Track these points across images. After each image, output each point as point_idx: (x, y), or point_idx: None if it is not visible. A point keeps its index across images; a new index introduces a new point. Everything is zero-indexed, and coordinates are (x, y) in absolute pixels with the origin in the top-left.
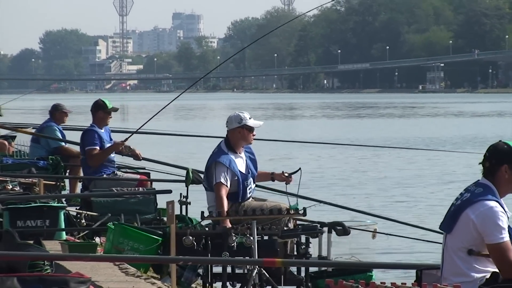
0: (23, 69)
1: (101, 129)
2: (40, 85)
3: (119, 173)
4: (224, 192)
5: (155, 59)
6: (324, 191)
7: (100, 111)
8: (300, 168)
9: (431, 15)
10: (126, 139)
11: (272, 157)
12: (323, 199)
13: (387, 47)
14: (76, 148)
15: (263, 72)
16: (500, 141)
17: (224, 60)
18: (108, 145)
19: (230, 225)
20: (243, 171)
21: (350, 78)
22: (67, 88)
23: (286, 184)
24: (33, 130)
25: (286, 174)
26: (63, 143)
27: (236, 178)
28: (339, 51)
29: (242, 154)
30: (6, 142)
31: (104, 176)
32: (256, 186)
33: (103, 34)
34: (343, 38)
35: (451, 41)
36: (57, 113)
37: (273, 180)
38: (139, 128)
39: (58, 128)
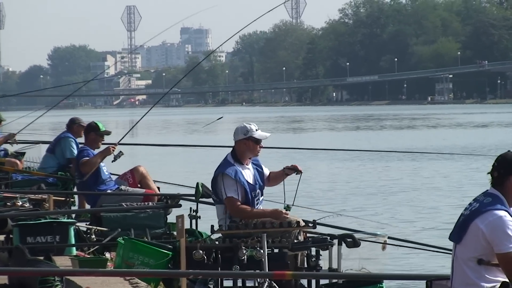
0: (32, 85)
1: (93, 150)
2: (48, 101)
3: (123, 188)
4: (238, 203)
5: (164, 74)
6: (333, 202)
7: (92, 132)
8: (301, 172)
9: (438, 26)
10: (117, 143)
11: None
12: (333, 210)
13: (396, 59)
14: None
15: (271, 85)
16: (508, 151)
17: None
18: (102, 168)
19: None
20: (251, 182)
21: (359, 91)
22: (76, 104)
23: (297, 173)
24: (46, 146)
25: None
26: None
27: (244, 189)
28: (348, 63)
29: (250, 166)
30: (17, 161)
31: (109, 191)
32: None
33: (112, 50)
34: (352, 51)
35: (459, 52)
36: (74, 126)
37: (288, 174)
38: (120, 140)
39: (75, 140)
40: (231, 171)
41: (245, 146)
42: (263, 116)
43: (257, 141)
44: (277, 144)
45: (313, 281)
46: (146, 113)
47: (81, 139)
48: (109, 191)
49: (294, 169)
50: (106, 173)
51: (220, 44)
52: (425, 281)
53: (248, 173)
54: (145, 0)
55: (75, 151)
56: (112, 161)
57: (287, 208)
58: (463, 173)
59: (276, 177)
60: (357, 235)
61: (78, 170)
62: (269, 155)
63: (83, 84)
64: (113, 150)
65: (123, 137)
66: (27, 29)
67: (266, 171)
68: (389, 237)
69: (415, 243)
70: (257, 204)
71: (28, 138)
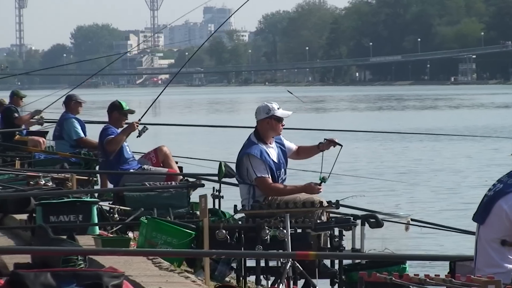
0: (55, 64)
1: (118, 129)
2: (72, 80)
3: (146, 167)
4: (270, 182)
5: (187, 53)
6: (357, 183)
7: (115, 111)
8: (341, 146)
9: (462, 6)
10: (140, 119)
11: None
12: (356, 191)
13: (419, 39)
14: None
15: (294, 65)
16: None
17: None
18: (125, 147)
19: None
20: (276, 160)
21: (382, 71)
22: (99, 83)
23: (334, 146)
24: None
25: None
26: (83, 135)
27: (270, 168)
28: (371, 43)
29: (273, 145)
30: (41, 140)
31: (132, 171)
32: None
33: (134, 29)
34: (375, 31)
35: (482, 33)
36: (71, 103)
37: (322, 150)
38: (141, 118)
39: (76, 119)
40: (256, 151)
41: (268, 125)
42: (286, 96)
43: (279, 120)
44: (299, 124)
45: (336, 262)
46: (162, 91)
47: (96, 118)
48: (131, 170)
49: (332, 142)
50: (129, 152)
51: (234, 11)
52: (448, 262)
53: (272, 152)
54: None
55: (80, 130)
56: (137, 137)
57: (323, 180)
58: (484, 154)
59: (308, 151)
60: (380, 216)
61: (102, 149)
62: (290, 135)
63: (107, 65)
64: (137, 126)
65: (143, 115)
66: (50, 7)
67: (293, 146)
68: (411, 219)
69: (438, 225)
70: (280, 183)
71: (52, 117)
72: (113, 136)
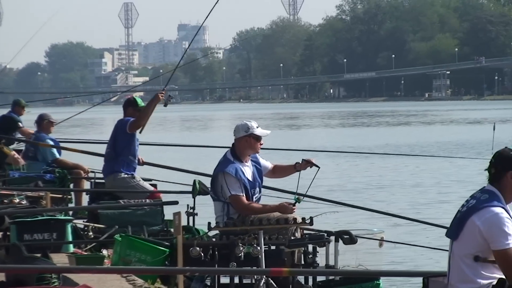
0: (29, 82)
1: None
2: (46, 98)
3: (137, 177)
4: (244, 200)
5: (161, 70)
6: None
7: (130, 107)
8: (319, 167)
9: (436, 22)
10: (164, 89)
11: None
12: (330, 206)
13: (393, 56)
14: (71, 160)
15: (269, 82)
16: (506, 147)
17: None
18: (136, 143)
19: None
20: (250, 179)
21: (356, 87)
22: (73, 101)
23: (311, 167)
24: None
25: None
26: (58, 155)
27: (245, 186)
28: (345, 60)
29: (249, 163)
30: (19, 160)
31: (123, 175)
32: (264, 187)
33: (109, 47)
34: (349, 47)
35: (456, 49)
36: (44, 122)
37: (298, 170)
38: (164, 88)
39: (52, 139)
40: (231, 169)
41: (246, 143)
42: (261, 113)
43: (258, 138)
44: (273, 142)
45: (310, 278)
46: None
47: (67, 138)
48: (124, 175)
49: (309, 163)
50: (137, 152)
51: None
52: (422, 278)
53: (247, 171)
54: None
55: (55, 151)
56: (164, 106)
57: (297, 200)
58: (460, 169)
59: (284, 171)
60: (354, 232)
61: (112, 141)
62: (263, 151)
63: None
64: (162, 96)
65: (166, 84)
66: (24, 25)
67: (268, 164)
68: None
69: (423, 221)
70: (255, 201)
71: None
72: (134, 119)
